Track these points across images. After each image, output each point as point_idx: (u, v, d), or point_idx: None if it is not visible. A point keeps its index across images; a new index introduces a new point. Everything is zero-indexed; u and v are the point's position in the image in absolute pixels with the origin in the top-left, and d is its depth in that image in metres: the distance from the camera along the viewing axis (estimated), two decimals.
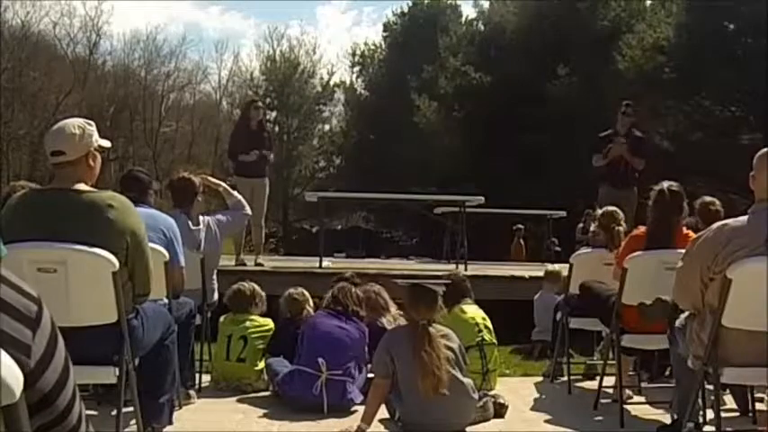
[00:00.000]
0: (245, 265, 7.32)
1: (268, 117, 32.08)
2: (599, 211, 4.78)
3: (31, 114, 28.10)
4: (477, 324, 4.47)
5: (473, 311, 4.57)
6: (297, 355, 4.17)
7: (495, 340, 4.57)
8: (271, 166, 7.81)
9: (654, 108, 19.05)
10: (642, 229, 3.98)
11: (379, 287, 4.72)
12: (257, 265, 7.46)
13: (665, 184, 3.87)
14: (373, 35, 50.12)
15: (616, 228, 4.51)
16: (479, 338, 4.43)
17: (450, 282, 4.70)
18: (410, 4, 32.12)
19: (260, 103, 8.22)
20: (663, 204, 3.83)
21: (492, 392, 4.17)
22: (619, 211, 4.67)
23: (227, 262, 6.43)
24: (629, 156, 7.07)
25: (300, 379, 4.01)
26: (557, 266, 6.72)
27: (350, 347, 4.13)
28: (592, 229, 4.73)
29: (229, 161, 7.88)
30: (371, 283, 4.81)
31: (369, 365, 4.25)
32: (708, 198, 4.68)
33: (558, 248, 11.49)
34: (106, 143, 3.00)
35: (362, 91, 34.16)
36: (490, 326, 4.56)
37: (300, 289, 4.81)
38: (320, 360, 4.00)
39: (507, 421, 3.91)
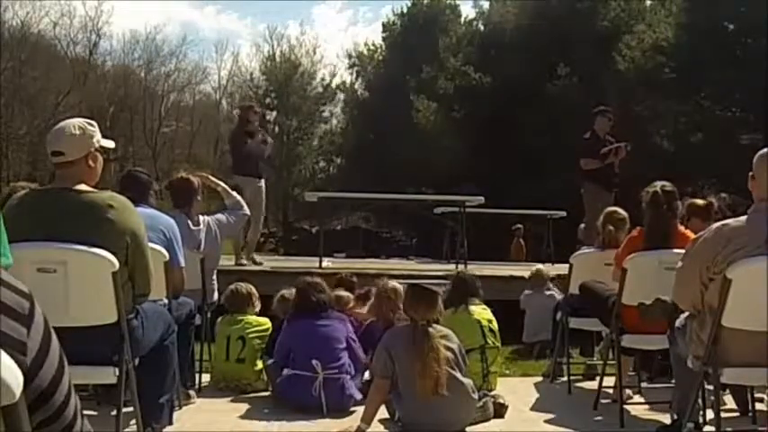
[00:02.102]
0: (243, 265, 7.37)
1: (268, 117, 32.19)
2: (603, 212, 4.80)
3: (31, 114, 28.10)
4: (481, 327, 4.45)
5: (479, 313, 4.53)
6: (290, 359, 4.14)
7: (498, 343, 4.55)
8: (272, 165, 8.02)
9: (654, 108, 19.04)
10: (642, 229, 3.99)
11: (400, 290, 4.48)
12: (253, 263, 7.55)
13: (659, 185, 3.89)
14: (369, 35, 50.13)
15: (608, 227, 4.53)
16: (482, 342, 4.42)
17: (456, 281, 4.68)
18: (409, 4, 32.13)
19: (257, 109, 8.52)
20: (658, 205, 3.84)
21: (492, 393, 4.17)
22: (620, 211, 4.68)
23: (226, 262, 6.44)
24: (617, 160, 7.28)
25: (298, 382, 4.00)
26: (540, 266, 6.83)
27: (338, 340, 4.12)
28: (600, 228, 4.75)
29: (232, 158, 8.07)
30: (393, 284, 4.64)
31: (363, 358, 4.26)
32: (698, 201, 4.71)
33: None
34: (110, 144, 2.99)
35: (362, 91, 34.14)
36: (496, 328, 4.54)
37: (293, 289, 4.78)
38: (314, 362, 3.99)
39: (507, 421, 3.90)
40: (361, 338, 4.37)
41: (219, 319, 4.77)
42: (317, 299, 4.23)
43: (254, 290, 4.84)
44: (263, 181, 7.60)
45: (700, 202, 4.61)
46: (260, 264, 7.66)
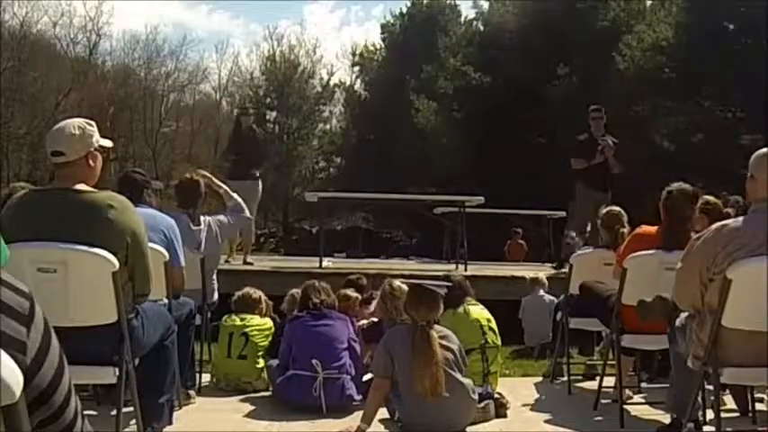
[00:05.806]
0: (230, 263, 7.47)
1: (268, 117, 32.23)
2: (602, 211, 4.79)
3: (31, 114, 28.05)
4: (481, 326, 4.45)
5: (478, 313, 4.52)
6: (290, 360, 4.16)
7: (498, 342, 4.55)
8: (267, 167, 8.21)
9: (654, 108, 19.03)
10: (644, 228, 3.98)
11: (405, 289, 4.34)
12: (246, 263, 7.61)
13: (675, 186, 3.86)
14: (362, 34, 50.06)
15: (620, 229, 4.51)
16: (482, 341, 4.41)
17: (451, 284, 4.67)
18: (408, 4, 32.12)
19: (250, 110, 8.87)
20: (675, 205, 3.81)
21: (495, 394, 4.15)
22: (623, 212, 4.68)
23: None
24: (612, 159, 7.24)
25: (298, 382, 4.01)
26: (540, 273, 6.87)
27: (339, 341, 4.14)
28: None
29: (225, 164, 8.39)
30: (398, 283, 4.49)
31: (363, 358, 4.27)
32: (707, 197, 4.68)
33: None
34: (108, 143, 3.00)
35: (362, 91, 34.13)
36: (495, 327, 4.54)
37: None
38: (314, 361, 4.00)
39: (507, 421, 3.91)
40: (365, 336, 4.38)
41: (224, 318, 4.78)
42: (319, 300, 4.25)
43: (265, 297, 4.87)
44: (251, 182, 7.63)
45: (711, 204, 4.58)
46: (251, 264, 7.75)
